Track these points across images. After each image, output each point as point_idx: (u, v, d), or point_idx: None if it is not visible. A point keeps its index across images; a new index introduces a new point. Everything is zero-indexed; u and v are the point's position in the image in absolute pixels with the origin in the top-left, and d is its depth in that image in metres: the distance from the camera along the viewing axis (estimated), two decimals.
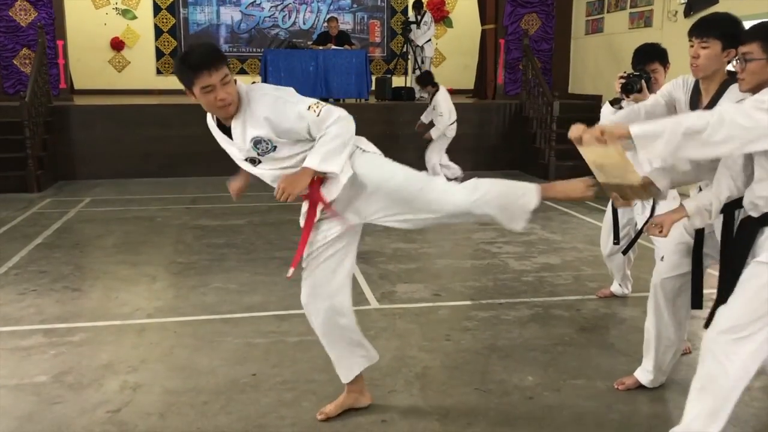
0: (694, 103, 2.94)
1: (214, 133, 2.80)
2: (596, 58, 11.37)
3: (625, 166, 2.58)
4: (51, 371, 3.53)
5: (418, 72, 11.69)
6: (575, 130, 2.55)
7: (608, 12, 11.00)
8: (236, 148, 2.72)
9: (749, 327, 2.45)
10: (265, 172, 2.77)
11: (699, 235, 2.90)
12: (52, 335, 4.02)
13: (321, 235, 2.84)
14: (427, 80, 8.97)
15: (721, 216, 2.72)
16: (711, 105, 2.81)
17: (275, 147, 2.67)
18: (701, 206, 2.66)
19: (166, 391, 3.32)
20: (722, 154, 2.42)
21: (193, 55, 2.56)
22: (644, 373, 3.31)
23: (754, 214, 2.53)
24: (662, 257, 3.15)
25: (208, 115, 2.76)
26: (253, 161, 2.74)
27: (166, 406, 3.17)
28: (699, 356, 2.58)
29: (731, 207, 2.67)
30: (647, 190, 2.76)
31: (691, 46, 2.81)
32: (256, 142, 2.66)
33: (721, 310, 2.56)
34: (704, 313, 2.83)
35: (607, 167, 2.64)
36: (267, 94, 2.66)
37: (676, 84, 3.08)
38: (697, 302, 2.98)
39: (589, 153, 2.59)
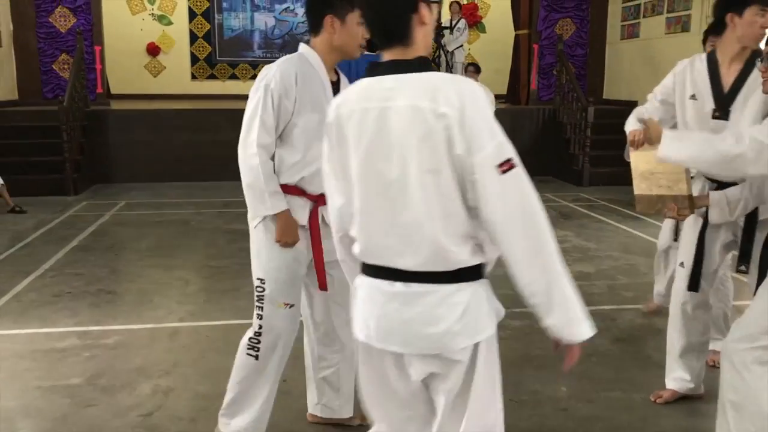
0: (716, 83, 2.91)
1: (301, 89, 2.54)
2: (632, 64, 11.21)
3: (678, 175, 2.58)
4: (85, 374, 3.57)
5: None
6: (632, 135, 2.66)
7: (644, 17, 10.85)
8: None
9: (764, 337, 2.39)
10: None
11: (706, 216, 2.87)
12: (86, 338, 4.06)
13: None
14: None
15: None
16: (737, 84, 2.82)
17: None
18: (726, 201, 2.61)
19: (197, 396, 3.33)
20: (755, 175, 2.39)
21: None
22: (681, 382, 3.23)
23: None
24: (682, 263, 3.10)
25: (292, 76, 2.53)
26: None
27: (197, 411, 3.18)
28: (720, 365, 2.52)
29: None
30: (693, 203, 2.71)
31: (762, 16, 2.75)
32: None
33: (740, 320, 2.51)
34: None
35: (657, 175, 2.61)
36: None
37: (677, 76, 3.05)
38: (693, 284, 2.97)
39: (642, 158, 2.59)
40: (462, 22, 11.99)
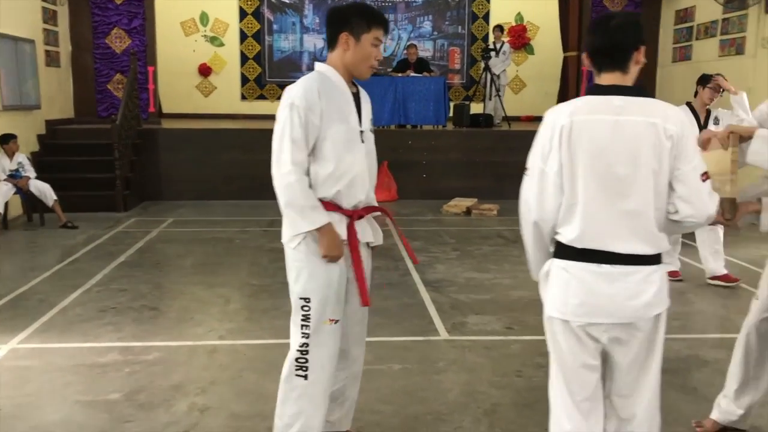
0: None
1: (326, 103, 2.59)
2: (684, 87, 10.97)
3: (729, 175, 2.54)
4: (124, 389, 3.61)
5: (494, 99, 11.61)
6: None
7: (697, 39, 10.65)
8: (360, 117, 2.72)
9: None
10: (364, 151, 2.72)
11: None
12: (127, 353, 4.12)
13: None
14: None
15: None
16: None
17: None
18: None
19: (233, 415, 3.34)
20: None
21: (378, 12, 2.67)
22: (726, 415, 3.11)
23: None
24: (757, 297, 3.00)
25: (315, 91, 2.57)
26: (363, 138, 2.72)
27: (232, 430, 3.18)
28: None
29: None
30: (736, 209, 2.63)
31: None
32: (371, 119, 2.81)
33: None
34: None
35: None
36: None
37: None
38: None
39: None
40: (506, 46, 11.94)
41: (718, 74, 5.44)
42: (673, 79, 11.43)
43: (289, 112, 2.55)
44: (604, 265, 2.08)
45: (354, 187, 2.67)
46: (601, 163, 2.05)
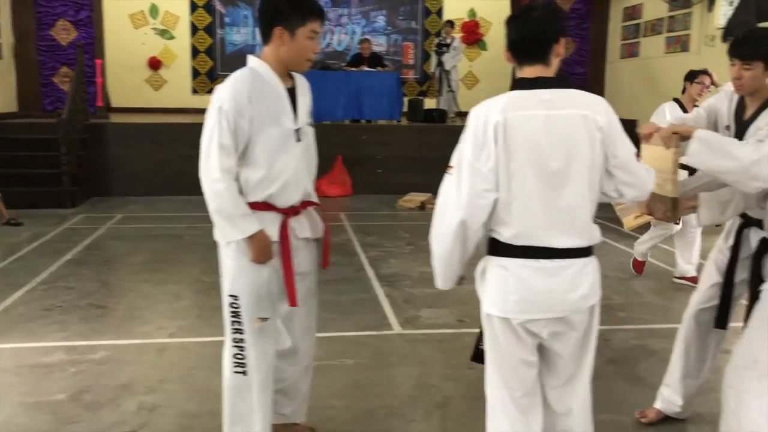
0: (739, 114, 2.86)
1: (256, 107, 2.51)
2: (631, 83, 11.23)
3: (671, 174, 2.58)
4: (70, 389, 3.52)
5: (447, 95, 11.67)
6: (648, 127, 2.70)
7: (644, 36, 10.88)
8: (297, 114, 2.62)
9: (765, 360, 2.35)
10: (300, 149, 2.65)
11: (734, 253, 2.82)
12: (73, 352, 4.02)
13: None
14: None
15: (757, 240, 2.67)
16: (753, 117, 2.74)
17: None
18: (716, 201, 2.59)
19: (183, 413, 3.29)
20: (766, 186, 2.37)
21: (313, 2, 2.55)
22: (669, 404, 3.19)
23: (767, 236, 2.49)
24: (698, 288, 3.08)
25: (245, 95, 2.50)
26: (300, 136, 2.64)
27: (182, 429, 3.14)
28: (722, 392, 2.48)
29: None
30: (677, 208, 2.69)
31: (733, 65, 2.70)
32: (310, 111, 2.72)
33: (738, 343, 2.47)
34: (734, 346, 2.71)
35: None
36: None
37: (719, 95, 3.00)
38: (721, 322, 2.89)
39: (648, 153, 2.64)
40: (457, 41, 12.01)
41: (704, 69, 5.44)
42: (621, 74, 11.67)
43: (218, 116, 2.47)
44: (541, 261, 2.09)
45: (287, 189, 2.62)
46: (537, 159, 2.05)
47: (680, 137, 2.54)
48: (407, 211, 9.05)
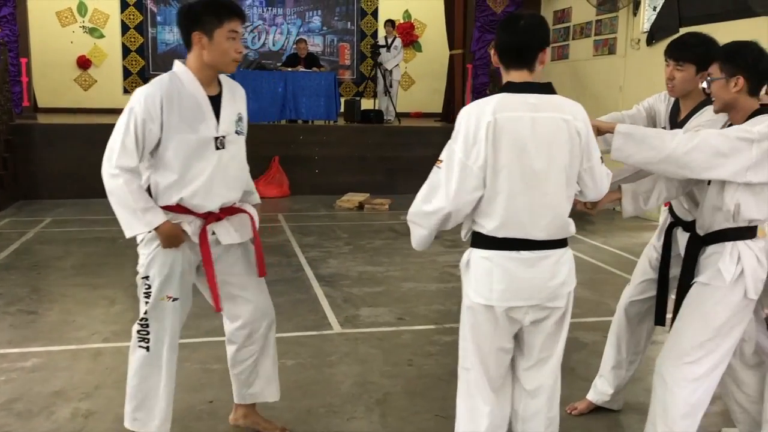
0: (673, 116, 2.99)
1: (168, 113, 2.54)
2: (561, 84, 11.50)
3: None
4: None
5: (386, 96, 11.76)
6: None
7: (573, 39, 11.19)
8: (219, 121, 2.63)
9: (694, 352, 2.48)
10: (220, 157, 2.65)
11: (666, 251, 2.93)
12: (2, 360, 3.89)
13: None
14: None
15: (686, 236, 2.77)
16: (686, 120, 2.86)
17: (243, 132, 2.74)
18: (638, 192, 2.69)
19: (120, 419, 3.19)
20: (694, 176, 2.47)
21: (227, 2, 2.56)
22: (600, 395, 3.31)
23: (700, 233, 2.59)
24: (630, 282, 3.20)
25: (158, 101, 2.52)
26: (221, 144, 2.64)
27: None
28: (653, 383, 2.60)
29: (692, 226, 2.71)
30: (599, 200, 2.78)
31: (667, 66, 2.83)
32: (239, 119, 2.71)
33: (669, 335, 2.59)
34: (664, 338, 2.84)
35: None
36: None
37: (659, 97, 3.13)
38: (660, 319, 3.00)
39: None
40: (398, 41, 12.11)
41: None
42: (552, 76, 11.92)
43: (128, 117, 2.53)
44: (523, 252, 2.24)
45: (199, 195, 2.64)
46: (522, 158, 2.18)
47: (598, 131, 2.61)
48: (345, 212, 9.08)
